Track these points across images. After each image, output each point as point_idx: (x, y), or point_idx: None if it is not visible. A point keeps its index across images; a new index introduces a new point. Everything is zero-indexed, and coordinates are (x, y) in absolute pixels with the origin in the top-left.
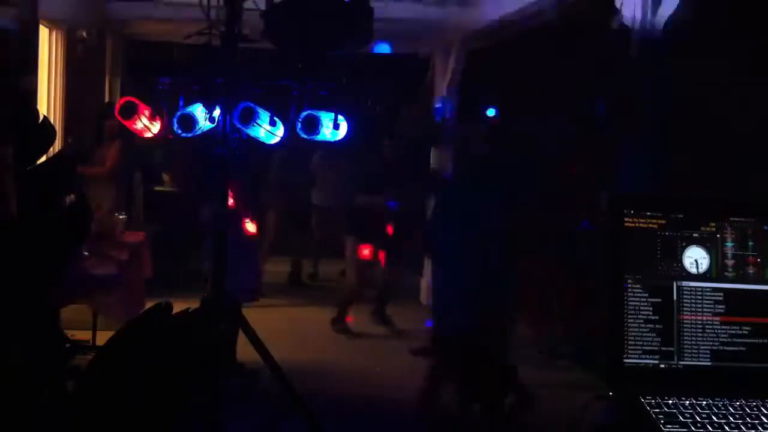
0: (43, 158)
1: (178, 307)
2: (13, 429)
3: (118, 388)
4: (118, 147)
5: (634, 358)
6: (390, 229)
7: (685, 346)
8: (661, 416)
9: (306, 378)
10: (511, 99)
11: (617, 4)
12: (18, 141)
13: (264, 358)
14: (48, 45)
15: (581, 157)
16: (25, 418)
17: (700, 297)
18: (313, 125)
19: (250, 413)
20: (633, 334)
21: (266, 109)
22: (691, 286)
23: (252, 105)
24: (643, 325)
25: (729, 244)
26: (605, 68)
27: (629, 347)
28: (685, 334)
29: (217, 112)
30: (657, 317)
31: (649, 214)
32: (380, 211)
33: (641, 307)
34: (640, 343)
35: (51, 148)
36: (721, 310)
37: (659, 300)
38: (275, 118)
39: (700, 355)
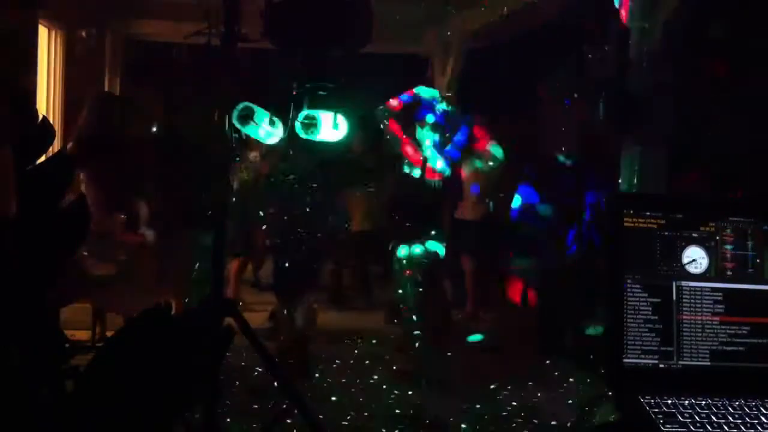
0: (43, 158)
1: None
2: (12, 429)
3: (118, 388)
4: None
5: (634, 358)
6: None
7: (684, 346)
8: (660, 416)
9: None
10: (510, 99)
11: (617, 4)
12: (18, 141)
13: (263, 359)
14: (48, 45)
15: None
16: (24, 419)
17: (699, 297)
18: (312, 125)
19: (249, 412)
20: (632, 333)
21: (265, 108)
22: (690, 286)
23: (251, 105)
24: (643, 325)
25: (728, 244)
26: (605, 68)
27: (628, 347)
28: (684, 334)
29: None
30: (656, 317)
31: (648, 214)
32: None
33: (641, 307)
34: (640, 342)
35: (51, 148)
36: (721, 310)
37: (658, 300)
38: (274, 118)
39: (700, 355)
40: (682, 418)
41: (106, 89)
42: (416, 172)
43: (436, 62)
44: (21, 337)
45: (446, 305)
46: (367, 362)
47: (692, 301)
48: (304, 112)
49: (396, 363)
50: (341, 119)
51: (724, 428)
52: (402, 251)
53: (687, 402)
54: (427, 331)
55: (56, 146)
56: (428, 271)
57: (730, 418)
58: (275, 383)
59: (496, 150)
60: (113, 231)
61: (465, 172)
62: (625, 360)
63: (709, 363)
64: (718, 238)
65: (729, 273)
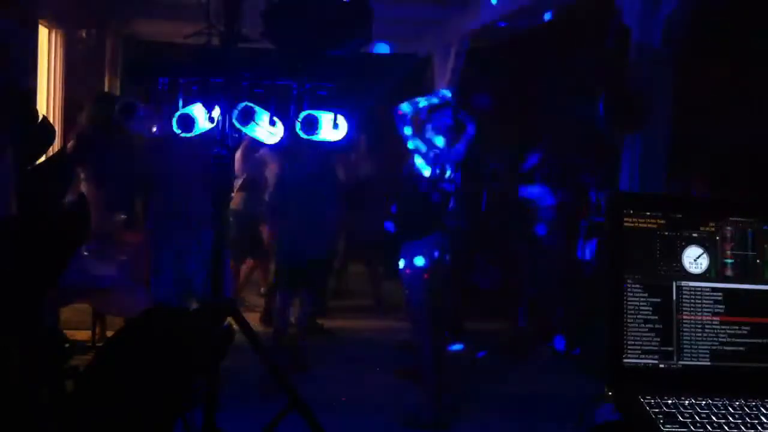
0: (43, 158)
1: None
2: (12, 429)
3: (118, 387)
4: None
5: (634, 358)
6: None
7: (684, 346)
8: (660, 416)
9: None
10: (510, 98)
11: (617, 4)
12: (18, 141)
13: (263, 359)
14: (48, 45)
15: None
16: (24, 419)
17: (699, 297)
18: (313, 125)
19: (249, 412)
20: (632, 333)
21: (266, 108)
22: (690, 286)
23: (251, 105)
24: (643, 325)
25: (728, 244)
26: (605, 68)
27: (629, 347)
28: (684, 333)
29: (216, 112)
30: (656, 317)
31: (648, 214)
32: None
33: (641, 307)
34: (640, 342)
35: (51, 148)
36: (721, 310)
37: (659, 300)
38: (274, 118)
39: (700, 355)
40: (682, 418)
41: (106, 89)
42: (426, 173)
43: (436, 62)
44: (21, 337)
45: (456, 307)
46: (369, 362)
47: (692, 301)
48: (304, 112)
49: (398, 364)
50: (341, 119)
51: (724, 428)
52: (407, 252)
53: (687, 402)
54: (436, 332)
55: (56, 146)
56: (435, 272)
57: (730, 418)
58: (275, 383)
59: None
60: (113, 231)
61: None
62: (625, 360)
63: (709, 363)
64: (718, 238)
65: (729, 273)
